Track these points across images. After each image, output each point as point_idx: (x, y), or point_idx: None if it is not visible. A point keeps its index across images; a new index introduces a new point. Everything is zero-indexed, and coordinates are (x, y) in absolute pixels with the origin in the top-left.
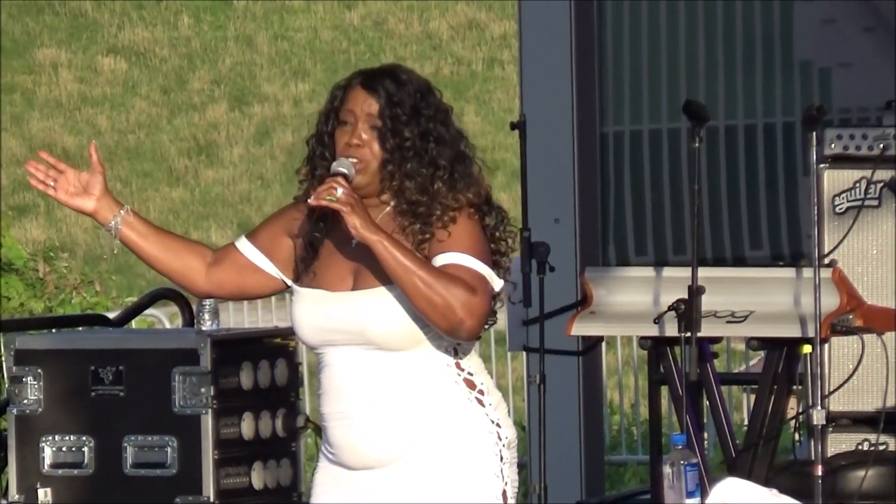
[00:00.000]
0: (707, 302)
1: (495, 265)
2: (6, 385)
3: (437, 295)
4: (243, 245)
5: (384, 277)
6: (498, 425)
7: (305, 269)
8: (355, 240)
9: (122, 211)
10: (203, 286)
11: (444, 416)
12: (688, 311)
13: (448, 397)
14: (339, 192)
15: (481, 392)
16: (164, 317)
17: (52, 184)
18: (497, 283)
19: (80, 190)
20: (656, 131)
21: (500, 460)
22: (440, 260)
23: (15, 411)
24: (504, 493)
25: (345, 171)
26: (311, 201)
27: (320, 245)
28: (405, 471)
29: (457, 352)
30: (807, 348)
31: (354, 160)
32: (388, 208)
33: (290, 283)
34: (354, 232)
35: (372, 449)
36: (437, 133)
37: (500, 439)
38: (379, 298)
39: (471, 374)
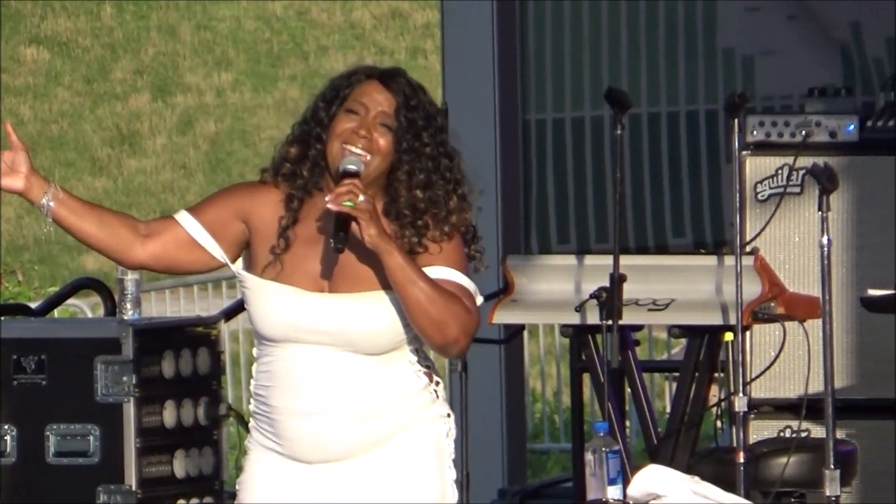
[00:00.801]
0: (629, 290)
1: None
2: None
3: (437, 311)
4: (186, 220)
5: (365, 282)
6: (449, 416)
7: (273, 261)
8: (336, 243)
9: (51, 188)
10: (137, 258)
11: (409, 411)
12: (610, 299)
13: (414, 394)
14: (361, 198)
15: (437, 384)
16: (86, 306)
17: None
18: (479, 300)
19: (7, 170)
20: (578, 119)
21: (451, 452)
22: (431, 273)
23: None
24: (454, 481)
25: (355, 168)
26: (329, 204)
27: (320, 239)
28: (367, 465)
29: (419, 344)
30: (728, 336)
31: (360, 153)
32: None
33: (233, 267)
34: (369, 239)
35: (340, 445)
36: (449, 148)
37: (451, 430)
38: (368, 306)
39: (429, 366)
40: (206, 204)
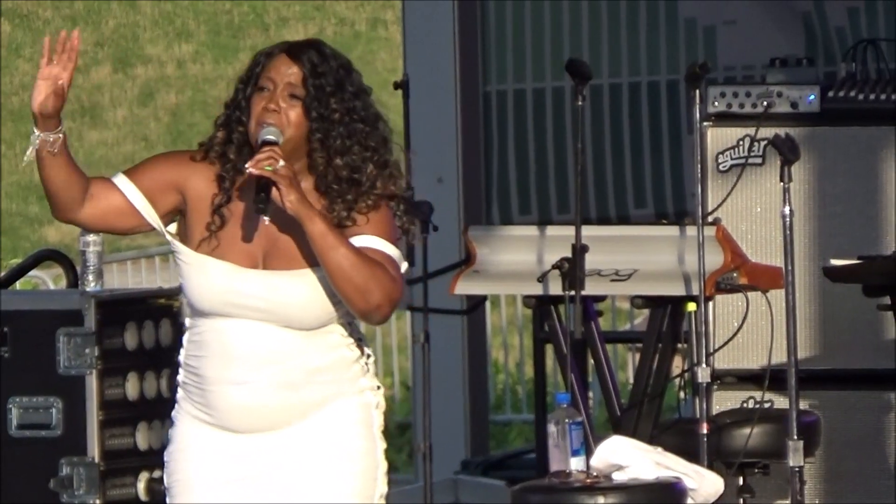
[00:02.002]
0: (591, 261)
1: None
2: None
3: (360, 277)
4: (124, 185)
5: (298, 260)
6: (378, 388)
7: (208, 236)
8: (267, 218)
9: (61, 131)
10: (73, 216)
11: (339, 381)
12: (572, 269)
13: (344, 364)
14: (281, 164)
15: (368, 357)
16: (48, 278)
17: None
18: (405, 267)
19: (46, 87)
20: (540, 90)
21: (380, 423)
22: (356, 242)
23: None
24: (384, 451)
25: (273, 138)
26: (250, 168)
27: (253, 216)
28: (296, 434)
29: (350, 318)
30: (691, 306)
31: (271, 128)
32: (305, 183)
33: (170, 238)
34: (290, 206)
35: (270, 413)
36: (362, 112)
37: (380, 402)
38: (298, 282)
39: (360, 339)
40: (145, 169)
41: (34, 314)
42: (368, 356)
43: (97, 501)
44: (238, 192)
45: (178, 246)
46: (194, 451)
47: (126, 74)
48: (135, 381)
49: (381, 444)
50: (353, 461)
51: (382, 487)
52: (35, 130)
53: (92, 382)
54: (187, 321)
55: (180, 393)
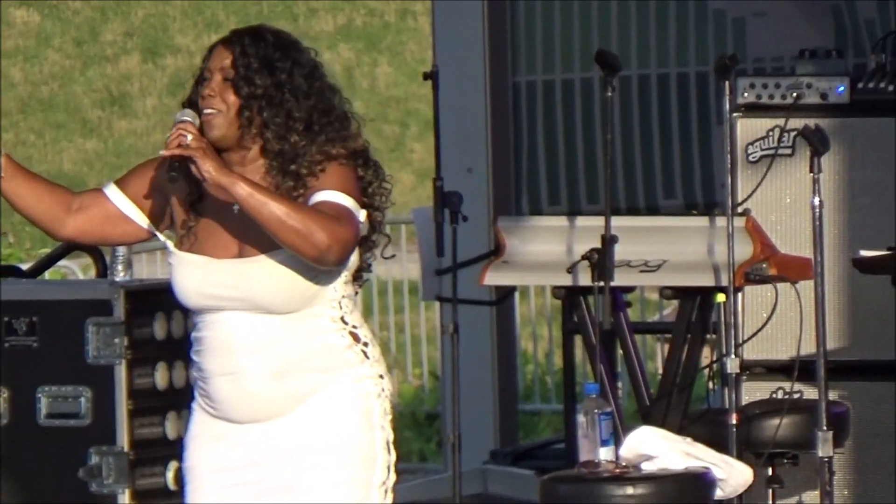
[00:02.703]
0: (620, 251)
1: (369, 218)
2: None
3: (300, 223)
4: (113, 193)
5: (270, 244)
6: (381, 377)
7: (186, 233)
8: (237, 206)
9: None
10: (65, 232)
11: (330, 368)
12: (601, 260)
13: (335, 351)
14: (189, 138)
15: (366, 345)
16: (77, 268)
17: None
18: (361, 216)
19: None
20: (569, 81)
21: (384, 413)
22: (310, 201)
23: None
24: (388, 442)
25: (188, 119)
26: (162, 152)
27: (228, 209)
28: (292, 423)
29: (341, 306)
30: (720, 297)
31: (211, 111)
32: (258, 164)
33: (160, 236)
34: (208, 176)
35: (261, 403)
36: (292, 84)
37: (384, 391)
38: (266, 265)
39: (355, 328)
40: (131, 176)
41: (63, 304)
42: (366, 344)
43: (126, 490)
44: (213, 187)
45: (168, 245)
46: (200, 441)
47: (155, 64)
48: (164, 370)
49: (383, 434)
50: (346, 452)
51: (380, 476)
52: None
53: (121, 372)
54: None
55: (195, 386)
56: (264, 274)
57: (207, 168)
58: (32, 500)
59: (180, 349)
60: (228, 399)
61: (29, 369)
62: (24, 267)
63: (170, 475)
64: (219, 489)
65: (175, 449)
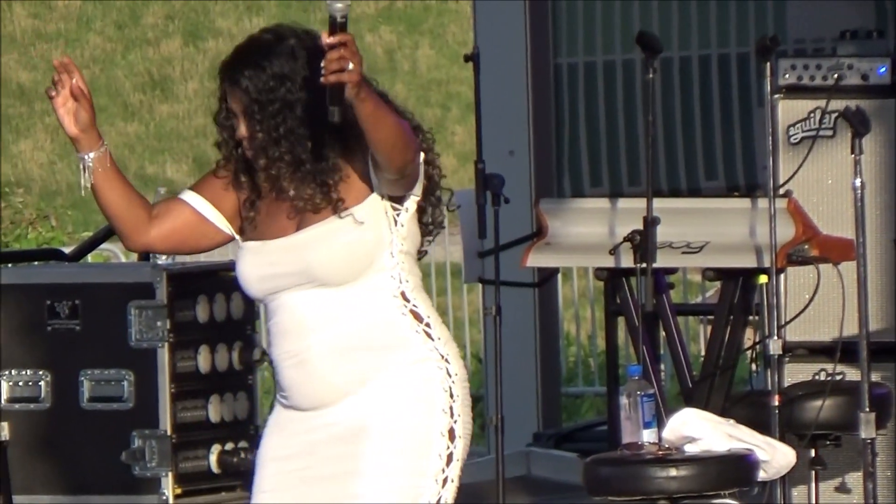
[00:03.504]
0: (662, 233)
1: (428, 176)
2: None
3: (404, 132)
4: (191, 198)
5: (319, 216)
6: (447, 360)
7: (249, 226)
8: (338, 116)
9: (100, 149)
10: (146, 239)
11: (391, 347)
12: (643, 242)
13: (395, 329)
14: (350, 66)
15: (428, 325)
16: (119, 251)
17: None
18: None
19: (67, 110)
20: (610, 63)
21: (451, 396)
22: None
23: None
24: (451, 429)
25: (342, 17)
26: (325, 80)
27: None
28: (351, 407)
29: (401, 280)
30: (763, 278)
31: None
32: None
33: (236, 236)
34: (360, 104)
35: (321, 386)
36: (296, 89)
37: (450, 375)
38: (317, 233)
39: (416, 307)
40: (204, 180)
41: (106, 287)
42: (428, 324)
43: (169, 474)
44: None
45: (240, 242)
46: (269, 430)
47: (196, 48)
48: (206, 353)
49: (445, 420)
50: (398, 439)
51: (436, 464)
52: (80, 154)
53: (164, 355)
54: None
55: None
56: (317, 241)
57: (362, 96)
58: (75, 484)
59: (223, 332)
60: (294, 384)
61: (72, 353)
62: (67, 250)
63: (213, 458)
64: (276, 475)
65: (219, 432)
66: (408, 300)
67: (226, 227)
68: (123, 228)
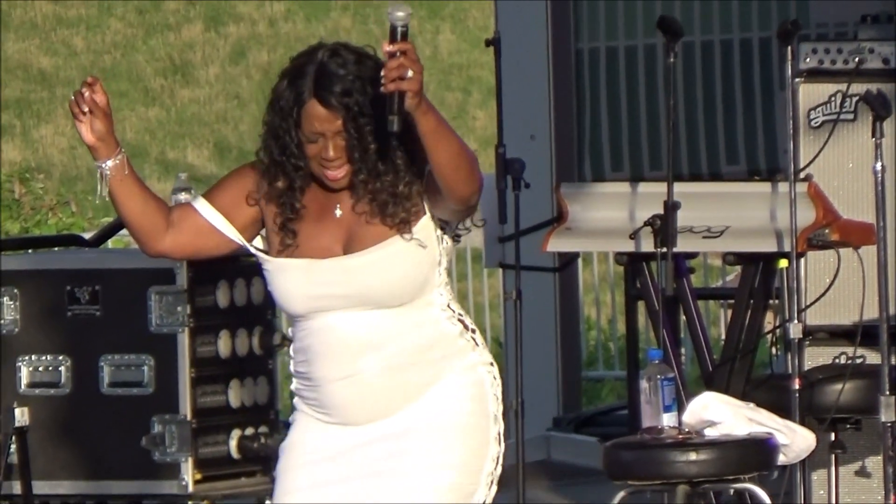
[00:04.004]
0: (683, 217)
1: None
2: None
3: (469, 158)
4: (203, 207)
5: (374, 241)
6: (492, 364)
7: (285, 241)
8: (339, 210)
9: (118, 157)
10: (161, 247)
11: (445, 357)
12: (664, 226)
13: (448, 340)
14: (410, 73)
15: (473, 332)
16: None
17: (85, 112)
18: None
19: (84, 118)
20: (631, 47)
21: (498, 401)
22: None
23: None
24: (500, 433)
25: (403, 25)
26: (385, 89)
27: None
28: (407, 415)
29: (444, 293)
30: (783, 263)
31: (341, 173)
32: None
33: (251, 248)
34: (420, 115)
35: (380, 400)
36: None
37: (495, 379)
38: (375, 258)
39: (461, 316)
40: (219, 188)
41: (126, 273)
42: (473, 331)
43: (189, 459)
44: (309, 192)
45: (260, 256)
46: (306, 443)
47: (217, 33)
48: (227, 338)
49: (497, 425)
50: (459, 435)
51: (489, 466)
52: (98, 163)
53: (184, 340)
54: (290, 331)
55: (296, 400)
56: (375, 266)
57: (422, 106)
58: (95, 469)
59: (243, 317)
60: (346, 403)
61: (92, 338)
62: (87, 236)
63: (233, 443)
64: (315, 474)
65: (239, 417)
66: (453, 310)
67: (237, 237)
68: (140, 236)
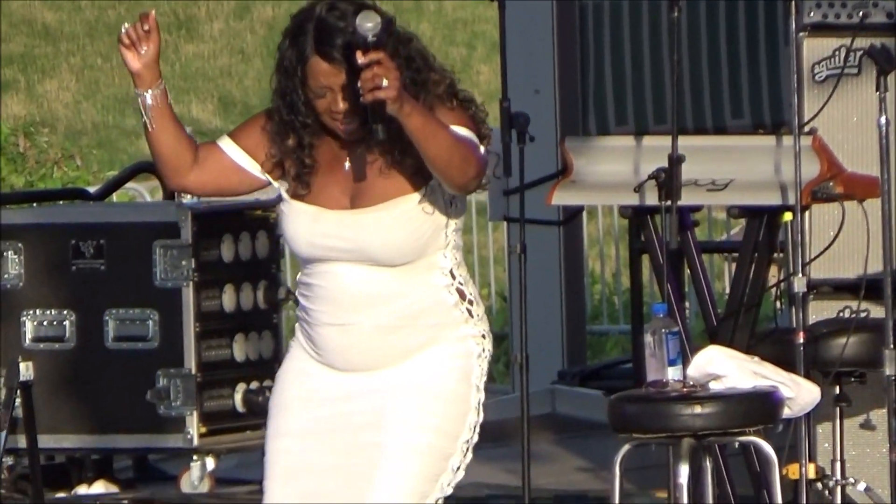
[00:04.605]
0: (687, 170)
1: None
2: None
3: (459, 156)
4: (228, 146)
5: (381, 197)
6: (483, 337)
7: (299, 184)
8: (348, 163)
9: (159, 86)
10: (185, 182)
11: (438, 325)
12: (668, 179)
13: (442, 308)
14: (385, 83)
15: (471, 303)
16: (144, 190)
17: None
18: (483, 149)
19: (130, 44)
20: (636, 1)
21: (481, 373)
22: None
23: None
24: (480, 403)
25: (372, 37)
26: (364, 100)
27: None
28: (392, 374)
29: (448, 257)
30: (788, 216)
31: (349, 123)
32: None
33: (275, 183)
34: (403, 117)
35: (368, 356)
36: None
37: (483, 351)
38: (380, 217)
39: (462, 284)
40: (244, 129)
41: (131, 227)
42: (471, 302)
43: (194, 412)
44: (321, 141)
45: (283, 194)
46: (293, 375)
47: None
48: (231, 292)
49: (478, 395)
50: (439, 400)
51: (467, 434)
52: (138, 91)
53: (188, 294)
54: (299, 277)
55: (297, 327)
56: (379, 225)
57: (405, 110)
58: (100, 423)
59: (248, 271)
60: (335, 349)
61: (96, 292)
62: (92, 190)
63: (238, 397)
64: (305, 419)
65: (244, 371)
66: (454, 277)
67: (262, 174)
68: (166, 169)
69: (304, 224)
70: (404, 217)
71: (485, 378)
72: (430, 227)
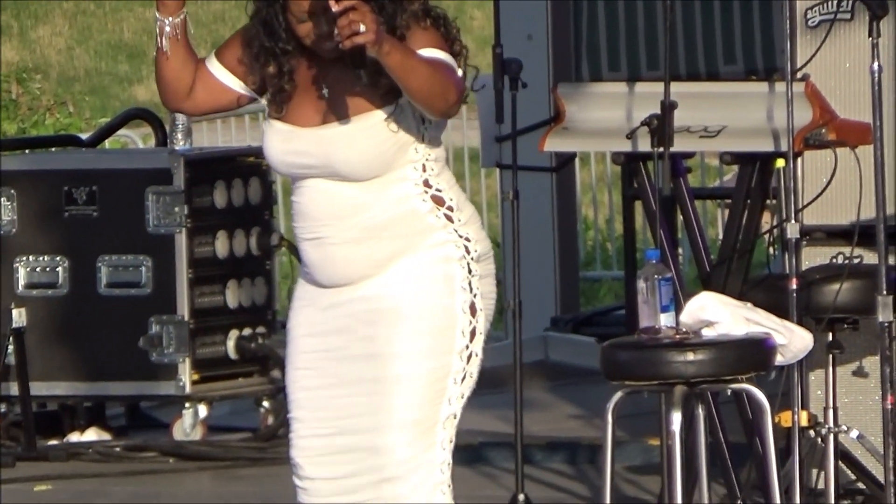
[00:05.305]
0: (680, 117)
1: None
2: None
3: (439, 86)
4: (215, 67)
5: (349, 113)
6: (467, 239)
7: (277, 106)
8: (326, 89)
9: (180, 15)
10: (183, 105)
11: (411, 234)
12: (661, 126)
13: (415, 217)
14: (362, 28)
15: (450, 208)
16: (137, 137)
17: None
18: (459, 72)
19: None
20: None
21: (469, 272)
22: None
23: None
24: (472, 304)
25: None
26: (343, 46)
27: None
28: (374, 288)
29: (425, 168)
30: (780, 162)
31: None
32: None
33: (262, 100)
34: (381, 57)
35: (342, 267)
36: None
37: (469, 252)
38: (345, 132)
39: (439, 191)
40: (229, 46)
41: (123, 173)
42: (450, 207)
43: (186, 359)
44: (300, 62)
45: (266, 110)
46: (298, 304)
47: None
48: (224, 239)
49: (465, 296)
50: (422, 321)
51: (460, 342)
52: (160, 17)
53: (181, 241)
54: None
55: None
56: (343, 141)
57: (384, 49)
58: (93, 370)
59: (241, 218)
60: (314, 262)
61: (89, 239)
62: (84, 136)
63: (230, 344)
64: (308, 353)
65: (237, 317)
66: (430, 186)
67: (248, 91)
68: (167, 93)
69: (278, 142)
70: (367, 133)
71: (477, 276)
72: (395, 144)
